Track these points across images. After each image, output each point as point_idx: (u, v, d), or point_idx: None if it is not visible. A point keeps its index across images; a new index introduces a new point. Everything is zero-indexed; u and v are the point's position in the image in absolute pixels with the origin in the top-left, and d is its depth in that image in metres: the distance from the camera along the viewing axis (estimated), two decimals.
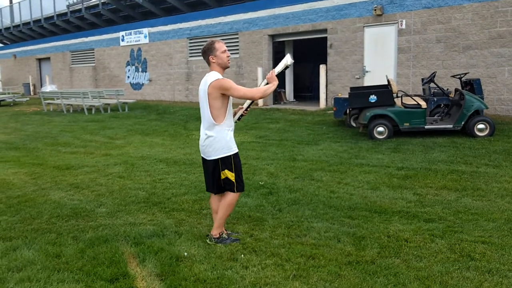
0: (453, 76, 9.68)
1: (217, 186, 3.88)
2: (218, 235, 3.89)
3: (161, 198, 5.35)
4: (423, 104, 8.65)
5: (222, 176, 3.78)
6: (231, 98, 3.75)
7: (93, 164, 7.46)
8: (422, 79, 10.34)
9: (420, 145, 7.93)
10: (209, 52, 3.72)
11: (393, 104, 8.70)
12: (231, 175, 3.76)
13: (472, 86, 9.24)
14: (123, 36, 22.13)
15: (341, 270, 3.33)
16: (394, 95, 8.84)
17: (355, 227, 4.18)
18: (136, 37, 21.42)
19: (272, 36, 15.59)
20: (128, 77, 22.31)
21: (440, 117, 9.10)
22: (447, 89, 9.92)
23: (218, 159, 3.74)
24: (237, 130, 8.13)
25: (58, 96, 17.83)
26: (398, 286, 3.10)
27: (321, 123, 11.15)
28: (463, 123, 8.39)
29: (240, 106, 4.07)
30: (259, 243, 3.86)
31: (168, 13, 21.36)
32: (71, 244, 3.98)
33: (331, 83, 13.98)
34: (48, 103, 18.51)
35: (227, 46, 3.85)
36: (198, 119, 12.96)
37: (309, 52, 17.93)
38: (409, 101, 8.93)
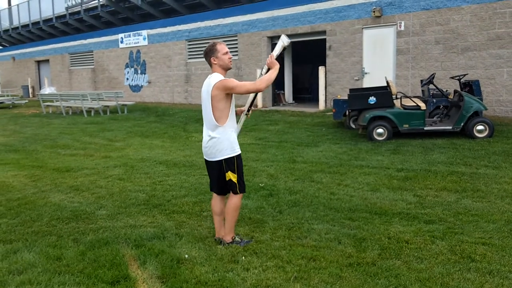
0: (452, 78, 9.70)
1: (220, 187, 3.88)
2: (231, 240, 3.90)
3: (161, 200, 5.34)
4: (422, 105, 8.66)
5: (227, 178, 3.79)
6: (233, 99, 3.76)
7: (92, 166, 7.46)
8: (421, 81, 10.36)
9: (419, 147, 7.94)
10: (210, 53, 3.72)
11: (392, 105, 8.72)
12: (233, 177, 3.77)
13: (471, 87, 9.26)
14: (122, 38, 22.14)
15: (342, 272, 3.33)
16: (393, 96, 8.85)
17: (356, 229, 4.18)
18: (135, 39, 21.43)
19: (271, 38, 15.61)
20: (127, 79, 22.31)
21: (439, 119, 9.11)
22: (446, 90, 9.94)
23: (222, 160, 3.74)
24: None
25: (57, 98, 17.83)
26: (399, 287, 3.11)
27: (321, 125, 11.16)
28: (462, 124, 8.41)
29: (239, 109, 4.08)
30: (259, 245, 3.86)
31: (167, 15, 21.37)
32: (71, 246, 3.97)
33: (330, 85, 14.00)
34: (47, 105, 18.50)
35: None
36: (197, 121, 12.97)
37: (308, 54, 17.96)
38: (408, 102, 8.94)
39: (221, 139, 3.70)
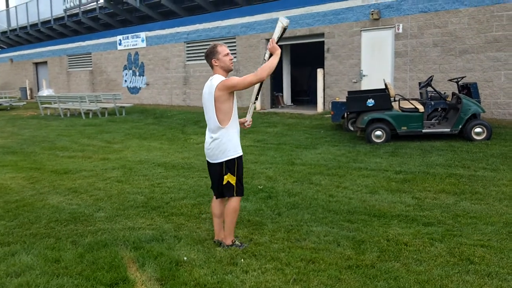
0: (450, 80, 9.72)
1: (220, 190, 3.88)
2: (231, 243, 3.89)
3: (160, 202, 5.34)
4: (421, 108, 8.68)
5: (224, 181, 3.78)
6: (235, 99, 3.75)
7: (91, 168, 7.44)
8: (419, 83, 10.37)
9: (417, 149, 7.95)
10: (211, 55, 3.71)
11: (390, 108, 8.73)
12: (232, 179, 3.76)
13: (469, 90, 9.29)
14: (120, 40, 22.13)
15: (341, 274, 3.33)
16: (392, 99, 8.87)
17: (355, 231, 4.18)
18: (133, 41, 21.43)
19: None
20: (125, 81, 22.30)
21: (437, 121, 9.13)
22: (444, 93, 9.96)
23: (223, 162, 3.73)
24: None
25: (55, 100, 17.80)
26: None
27: (319, 127, 11.17)
28: (460, 126, 8.43)
29: (243, 118, 4.03)
30: (258, 247, 3.85)
31: (165, 17, 21.38)
32: (70, 248, 3.96)
33: (328, 87, 14.02)
34: (45, 107, 18.46)
35: None
36: (195, 123, 12.97)
37: (307, 56, 17.99)
38: (406, 105, 8.96)
39: (224, 141, 3.69)
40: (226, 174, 3.76)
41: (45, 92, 25.00)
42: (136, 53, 21.35)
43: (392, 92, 8.96)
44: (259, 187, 5.85)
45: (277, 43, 3.72)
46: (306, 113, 13.78)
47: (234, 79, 3.60)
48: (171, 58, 19.54)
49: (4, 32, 32.66)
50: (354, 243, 3.89)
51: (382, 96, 8.80)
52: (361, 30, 13.03)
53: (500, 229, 4.11)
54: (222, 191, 3.85)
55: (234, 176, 3.76)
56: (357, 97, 9.06)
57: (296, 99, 17.79)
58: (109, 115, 16.45)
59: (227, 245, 3.87)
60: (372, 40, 12.87)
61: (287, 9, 14.75)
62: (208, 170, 3.99)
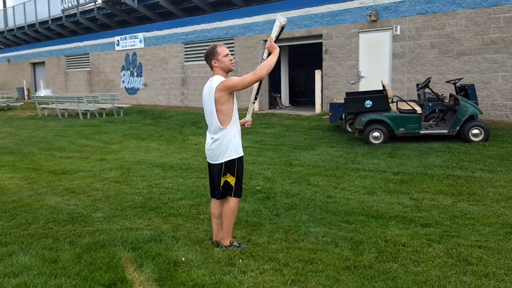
0: (448, 82, 9.76)
1: (220, 191, 3.86)
2: (229, 243, 3.89)
3: (158, 203, 5.33)
4: (418, 109, 8.71)
5: (222, 181, 3.78)
6: (235, 100, 3.75)
7: (88, 169, 7.43)
8: (417, 85, 10.42)
9: (415, 150, 7.97)
10: (211, 56, 3.71)
11: (388, 109, 8.75)
12: (231, 179, 3.76)
13: (467, 91, 9.32)
14: (118, 40, 22.11)
15: (339, 275, 3.33)
16: (389, 100, 8.89)
17: (353, 232, 4.19)
18: (131, 41, 21.41)
19: None
20: (123, 81, 22.27)
21: (435, 122, 9.16)
22: (442, 94, 9.99)
23: (223, 162, 3.72)
24: None
25: (53, 101, 17.76)
26: None
27: (317, 128, 11.18)
28: (458, 128, 8.45)
29: (243, 119, 4.03)
30: (256, 248, 3.85)
31: (163, 18, 21.37)
32: (68, 249, 3.95)
33: (326, 88, 14.04)
34: (43, 108, 18.42)
35: None
36: (193, 123, 12.96)
37: (304, 57, 18.01)
38: (404, 106, 8.98)
39: (225, 141, 3.69)
40: (225, 175, 3.76)
41: (43, 92, 24.94)
42: (134, 54, 21.34)
43: (390, 93, 8.99)
44: (257, 187, 5.85)
45: (275, 42, 3.71)
46: (304, 114, 13.80)
47: (234, 79, 3.60)
48: (169, 59, 19.53)
49: (2, 32, 32.59)
50: (352, 244, 3.90)
51: (380, 97, 8.82)
52: (359, 32, 13.05)
53: (497, 230, 4.13)
54: (222, 192, 3.84)
55: (233, 177, 3.76)
56: (355, 99, 9.08)
57: (294, 100, 17.81)
58: (107, 116, 16.43)
59: (225, 246, 3.87)
60: (370, 41, 12.90)
61: (285, 10, 14.76)
62: (208, 171, 3.98)
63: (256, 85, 3.93)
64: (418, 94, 10.47)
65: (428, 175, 6.24)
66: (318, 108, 13.98)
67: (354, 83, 13.28)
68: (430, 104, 9.57)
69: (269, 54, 3.70)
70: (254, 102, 4.04)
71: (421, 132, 8.62)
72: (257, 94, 4.02)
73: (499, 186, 5.60)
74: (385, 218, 4.56)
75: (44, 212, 5.06)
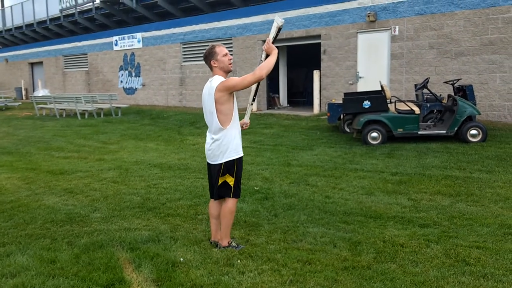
0: (446, 82, 9.77)
1: (218, 191, 3.86)
2: (227, 244, 3.88)
3: (156, 203, 5.32)
4: (417, 109, 8.72)
5: (220, 181, 3.77)
6: (235, 100, 3.75)
7: (86, 169, 7.42)
8: (415, 85, 10.42)
9: (413, 151, 7.98)
10: (210, 56, 3.70)
11: (386, 109, 8.76)
12: (230, 180, 3.75)
13: (465, 92, 9.33)
14: (116, 40, 22.08)
15: (338, 275, 3.33)
16: (388, 100, 8.90)
17: (351, 232, 4.19)
18: (129, 41, 21.39)
19: None
20: (121, 81, 22.24)
21: (433, 123, 9.17)
22: (440, 95, 10.01)
23: (222, 163, 3.72)
24: None
25: (50, 101, 17.72)
26: None
27: (315, 129, 11.18)
28: (456, 128, 8.47)
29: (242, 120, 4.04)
30: (255, 248, 3.85)
31: (161, 18, 21.35)
32: (66, 249, 3.94)
33: (324, 89, 14.04)
34: (41, 108, 18.38)
35: None
36: (192, 124, 12.96)
37: (303, 58, 18.02)
38: (402, 106, 8.99)
39: (225, 141, 3.68)
40: (224, 175, 3.75)
41: (41, 92, 24.90)
42: (132, 54, 21.31)
43: (388, 94, 8.99)
44: (255, 188, 5.84)
45: (272, 43, 3.71)
46: (302, 115, 13.80)
47: (234, 80, 3.59)
48: (167, 59, 19.51)
49: (0, 32, 32.52)
50: (350, 244, 3.90)
51: (378, 98, 8.83)
52: (357, 32, 13.06)
53: (495, 231, 4.13)
54: (219, 193, 3.84)
55: (232, 177, 3.75)
56: (353, 99, 9.08)
57: (293, 101, 17.82)
58: (105, 116, 16.40)
59: (223, 246, 3.86)
60: (368, 42, 12.91)
61: (284, 11, 14.76)
62: (207, 172, 3.97)
63: (254, 87, 3.93)
64: (416, 95, 10.48)
65: (426, 176, 6.25)
66: (316, 109, 13.99)
67: (352, 84, 13.29)
68: (428, 105, 9.59)
69: (267, 55, 3.69)
70: (252, 104, 4.05)
71: (419, 132, 8.63)
72: (255, 95, 4.03)
73: (497, 186, 5.61)
74: (383, 219, 4.56)
75: (42, 212, 5.05)
